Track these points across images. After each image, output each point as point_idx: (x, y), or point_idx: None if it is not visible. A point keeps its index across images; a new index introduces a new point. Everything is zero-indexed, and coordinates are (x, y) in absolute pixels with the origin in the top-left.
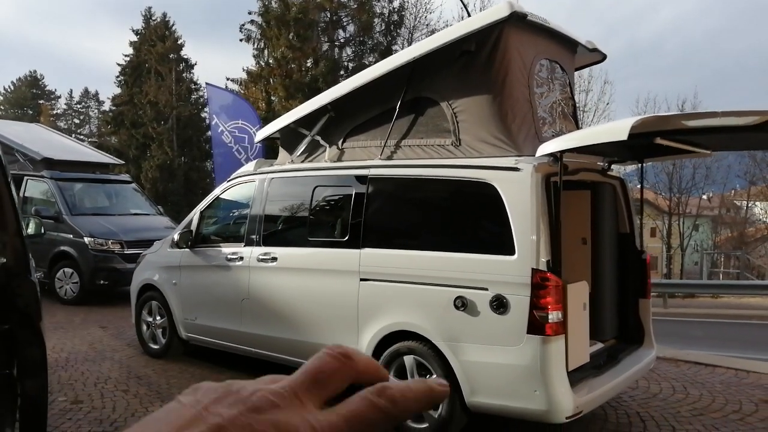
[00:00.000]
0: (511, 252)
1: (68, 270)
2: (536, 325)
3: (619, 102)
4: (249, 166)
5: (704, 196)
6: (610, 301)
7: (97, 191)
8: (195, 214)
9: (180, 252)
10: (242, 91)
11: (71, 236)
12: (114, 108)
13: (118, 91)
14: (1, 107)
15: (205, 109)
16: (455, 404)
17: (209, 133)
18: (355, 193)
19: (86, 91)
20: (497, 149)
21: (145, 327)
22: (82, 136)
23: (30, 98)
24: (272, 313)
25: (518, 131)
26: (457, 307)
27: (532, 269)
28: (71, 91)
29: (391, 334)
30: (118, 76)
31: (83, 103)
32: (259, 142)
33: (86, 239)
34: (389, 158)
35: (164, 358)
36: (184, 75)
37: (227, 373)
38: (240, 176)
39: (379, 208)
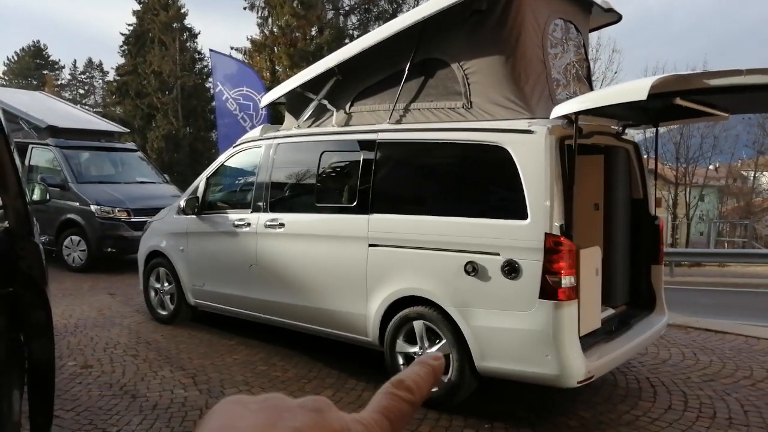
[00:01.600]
0: (524, 216)
1: (75, 238)
2: (549, 290)
3: (627, 71)
4: (255, 132)
5: (711, 167)
6: (622, 267)
7: (103, 159)
8: (201, 181)
9: (186, 218)
10: (247, 61)
11: (78, 204)
12: (118, 78)
13: (121, 61)
14: (5, 78)
15: (210, 79)
16: (465, 369)
17: (214, 103)
18: (364, 158)
19: (90, 62)
20: (510, 111)
21: (153, 293)
22: (87, 107)
23: (34, 68)
24: (280, 279)
25: (531, 93)
26: (467, 273)
27: (545, 234)
28: (75, 61)
29: (400, 300)
30: (121, 46)
31: (87, 74)
32: (264, 107)
33: (93, 207)
34: (398, 122)
35: (173, 324)
36: (187, 44)
37: (236, 338)
38: (246, 142)
39: (387, 173)
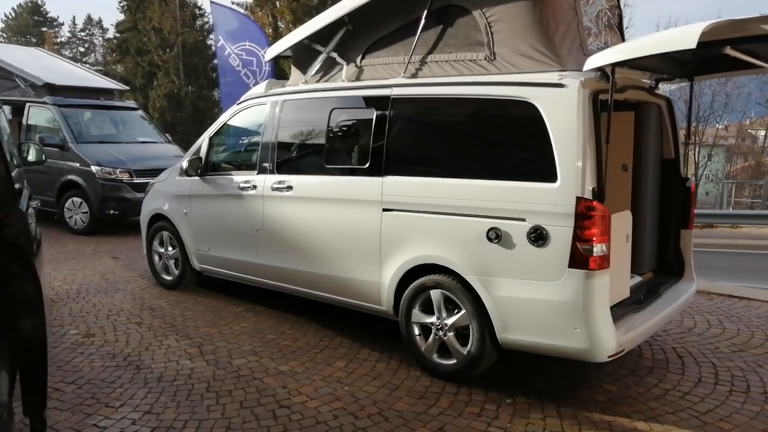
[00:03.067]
0: (553, 179)
1: (77, 200)
2: (579, 259)
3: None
4: (259, 88)
5: (720, 126)
6: (651, 231)
7: (103, 118)
8: (204, 141)
9: (190, 180)
10: (248, 16)
11: (78, 165)
12: (118, 35)
13: (121, 17)
14: (4, 35)
15: (211, 36)
16: (486, 341)
17: (216, 61)
18: (377, 115)
19: (89, 18)
20: (537, 63)
21: (157, 258)
22: (87, 65)
23: (32, 26)
24: (288, 244)
25: (561, 43)
26: (490, 240)
27: (577, 197)
28: (74, 18)
29: (416, 268)
30: (120, 2)
31: (87, 31)
32: (268, 62)
33: (93, 168)
34: (414, 76)
35: (178, 289)
36: None
37: (243, 305)
38: (249, 99)
39: (402, 131)
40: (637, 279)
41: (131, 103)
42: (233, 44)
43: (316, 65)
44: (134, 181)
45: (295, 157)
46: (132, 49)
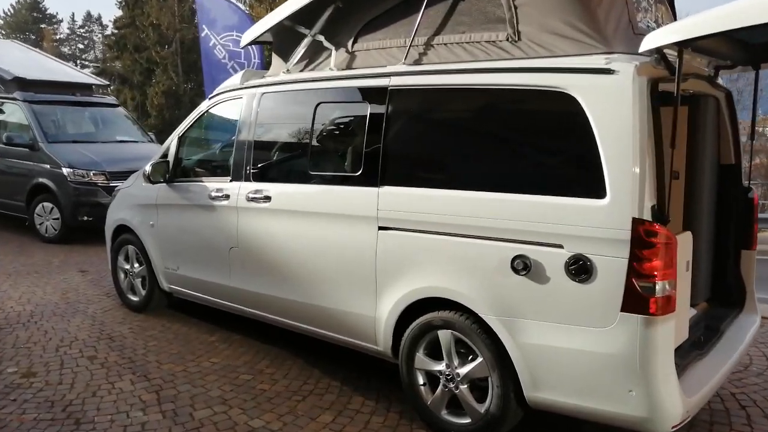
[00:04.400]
0: (600, 193)
1: (48, 205)
2: (636, 300)
3: None
4: (234, 79)
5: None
6: (706, 253)
7: (79, 116)
8: (172, 141)
9: (156, 188)
10: (248, 12)
11: (48, 167)
12: (116, 31)
13: (119, 13)
14: (2, 32)
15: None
16: (509, 397)
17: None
18: (371, 110)
19: (89, 15)
20: (575, 44)
21: (122, 275)
22: (86, 62)
23: (31, 22)
24: (266, 266)
25: (606, 18)
26: (516, 270)
27: (633, 219)
28: (73, 14)
29: (421, 301)
30: None
31: (86, 27)
32: (245, 46)
33: (65, 170)
34: (417, 62)
35: (145, 311)
36: None
37: (217, 332)
38: (224, 92)
39: (404, 130)
40: (692, 312)
41: (111, 99)
42: (219, 34)
43: (300, 51)
44: (110, 184)
45: (275, 161)
46: (130, 45)
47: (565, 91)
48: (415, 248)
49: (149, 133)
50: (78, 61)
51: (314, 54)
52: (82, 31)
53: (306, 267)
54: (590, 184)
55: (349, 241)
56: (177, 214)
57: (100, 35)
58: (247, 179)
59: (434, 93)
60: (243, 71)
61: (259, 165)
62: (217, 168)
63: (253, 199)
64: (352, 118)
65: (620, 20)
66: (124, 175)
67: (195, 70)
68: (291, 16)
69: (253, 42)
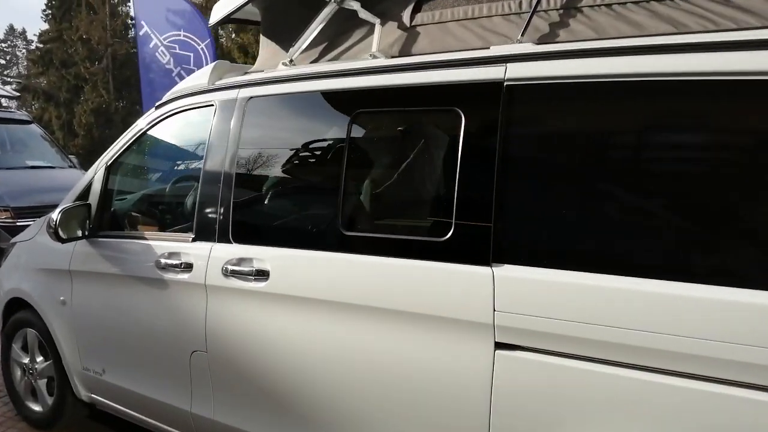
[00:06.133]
0: None
1: None
2: None
3: None
4: (197, 78)
5: None
6: None
7: None
8: (96, 173)
9: (70, 246)
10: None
11: None
12: (41, 45)
13: (45, 26)
14: None
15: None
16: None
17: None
18: (469, 124)
19: (11, 29)
20: None
21: (18, 372)
22: (9, 79)
23: None
24: (257, 391)
25: None
26: None
27: None
28: None
29: None
30: (44, 10)
31: (9, 42)
32: (215, 25)
33: None
34: (549, 39)
35: (53, 429)
36: (119, 8)
37: None
38: (180, 96)
39: (542, 161)
40: None
41: (22, 115)
42: (162, 34)
43: (314, 30)
44: (17, 223)
45: (275, 210)
46: (57, 60)
47: None
48: (572, 387)
49: (70, 157)
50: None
51: (340, 33)
52: (4, 45)
53: (339, 402)
54: None
55: (430, 364)
56: (103, 288)
57: (24, 50)
58: (223, 238)
59: (607, 88)
60: (213, 63)
61: (246, 216)
62: (169, 217)
63: (235, 274)
64: (427, 138)
65: None
66: (35, 212)
67: (128, 88)
68: None
69: (228, 20)
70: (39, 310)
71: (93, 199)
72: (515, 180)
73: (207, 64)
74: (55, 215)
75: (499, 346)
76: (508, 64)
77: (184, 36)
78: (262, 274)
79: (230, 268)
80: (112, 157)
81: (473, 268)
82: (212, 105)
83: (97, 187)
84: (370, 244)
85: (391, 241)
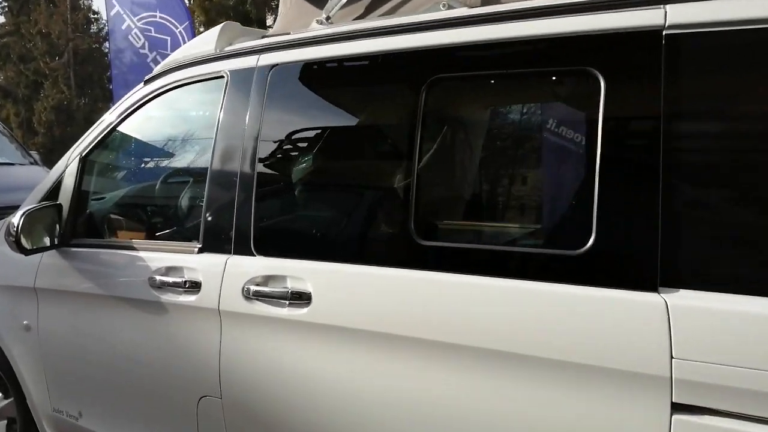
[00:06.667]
0: None
1: None
2: None
3: None
4: (201, 42)
5: None
6: None
7: None
8: (68, 166)
9: (36, 258)
10: None
11: None
12: None
13: (1, 20)
14: None
15: (107, 44)
16: None
17: (106, 31)
18: (610, 92)
19: None
20: None
21: None
22: None
23: None
24: None
25: None
26: None
27: None
28: None
29: None
30: (0, 3)
31: None
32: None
33: None
34: None
35: None
36: (80, 2)
37: None
38: (178, 68)
39: (725, 144)
40: None
41: None
42: (136, 14)
43: None
44: None
45: (315, 211)
46: (14, 55)
47: None
48: None
49: (32, 153)
50: None
51: None
52: None
53: None
54: None
55: (570, 425)
56: (79, 310)
57: None
58: (242, 249)
59: None
60: (221, 25)
61: (275, 219)
62: (164, 221)
63: (260, 297)
64: (545, 111)
65: None
66: None
67: (90, 84)
68: None
69: None
70: None
71: (64, 198)
72: (693, 168)
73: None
74: (16, 219)
75: (677, 408)
76: (667, 6)
77: (160, 18)
78: (300, 298)
79: (254, 288)
80: (89, 146)
81: (631, 295)
82: (222, 77)
83: (69, 183)
84: (459, 259)
85: (494, 254)
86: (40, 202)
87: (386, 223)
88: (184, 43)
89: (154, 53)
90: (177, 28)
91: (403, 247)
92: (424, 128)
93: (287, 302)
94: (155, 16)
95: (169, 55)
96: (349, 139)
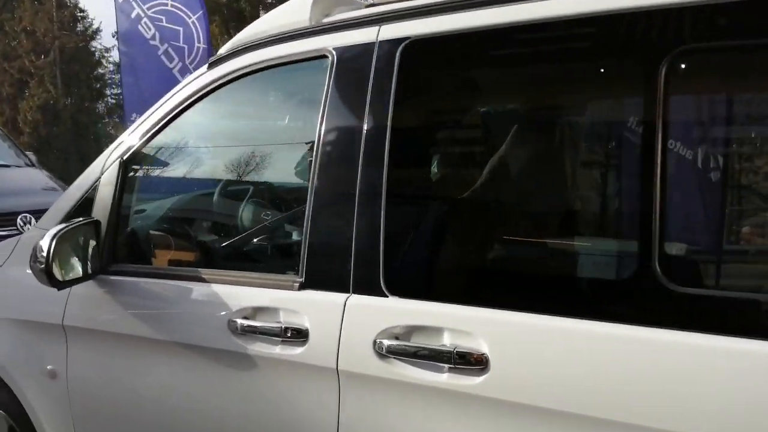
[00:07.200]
0: None
1: None
2: None
3: None
4: (290, 12)
5: None
6: None
7: None
8: (104, 172)
9: (66, 291)
10: None
11: None
12: None
13: None
14: None
15: (93, 43)
16: None
17: (115, 17)
18: None
19: None
20: None
21: None
22: None
23: None
24: None
25: None
26: None
27: None
28: None
29: None
30: None
31: None
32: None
33: None
34: None
35: None
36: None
37: None
38: (252, 47)
39: None
40: None
41: None
42: (146, 2)
43: None
44: None
45: (486, 233)
46: None
47: None
48: None
49: (27, 154)
50: None
51: None
52: None
53: None
54: None
55: None
56: (123, 358)
57: None
58: (366, 287)
59: None
60: None
61: (418, 246)
62: (245, 245)
63: (401, 356)
64: None
65: None
66: None
67: (77, 83)
68: None
69: None
70: (10, 384)
71: (100, 213)
72: None
73: (199, 41)
74: (46, 243)
75: None
76: None
77: (171, 6)
78: (468, 361)
79: (390, 344)
80: (133, 147)
81: None
82: (324, 56)
83: (107, 194)
84: (734, 314)
85: None
86: (67, 218)
87: (613, 256)
88: (197, 34)
89: (166, 45)
90: (190, 17)
91: (641, 294)
92: (666, 120)
93: (446, 366)
94: (166, 5)
95: (182, 48)
96: (544, 138)
